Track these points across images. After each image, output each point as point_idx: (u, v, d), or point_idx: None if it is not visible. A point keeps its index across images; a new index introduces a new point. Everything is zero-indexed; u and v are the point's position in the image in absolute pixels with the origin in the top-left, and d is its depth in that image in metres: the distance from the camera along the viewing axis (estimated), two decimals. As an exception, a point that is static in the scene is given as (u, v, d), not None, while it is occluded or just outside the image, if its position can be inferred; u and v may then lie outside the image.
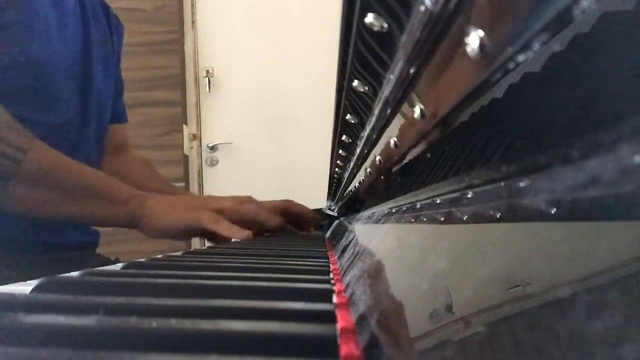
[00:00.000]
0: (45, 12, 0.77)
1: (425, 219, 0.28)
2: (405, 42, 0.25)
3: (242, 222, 0.77)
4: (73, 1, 0.85)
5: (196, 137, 2.43)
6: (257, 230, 0.79)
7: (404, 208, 0.38)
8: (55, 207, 0.71)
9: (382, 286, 0.25)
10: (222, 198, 0.82)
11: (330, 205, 1.27)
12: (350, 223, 0.78)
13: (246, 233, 0.74)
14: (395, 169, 0.46)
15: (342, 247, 0.55)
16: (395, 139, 0.37)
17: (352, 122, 0.50)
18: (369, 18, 0.27)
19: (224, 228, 0.74)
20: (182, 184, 2.29)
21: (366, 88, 0.38)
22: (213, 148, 2.44)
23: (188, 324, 0.20)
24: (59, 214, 0.73)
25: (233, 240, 0.77)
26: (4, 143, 0.65)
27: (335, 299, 0.27)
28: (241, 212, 0.78)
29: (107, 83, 0.94)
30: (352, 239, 0.54)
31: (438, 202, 0.27)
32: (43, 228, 0.81)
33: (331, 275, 0.37)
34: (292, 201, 0.94)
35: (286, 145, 2.42)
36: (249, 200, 0.83)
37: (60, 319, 0.19)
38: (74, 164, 0.72)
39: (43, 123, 0.77)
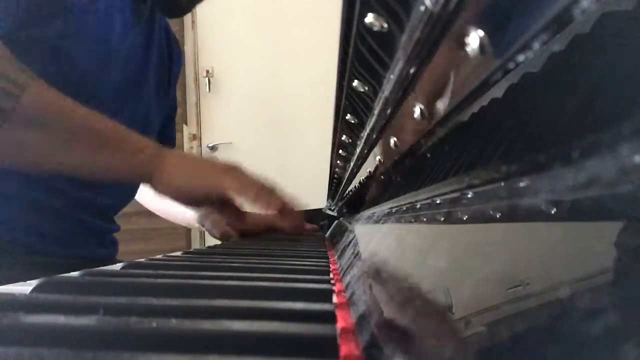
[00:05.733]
0: (100, 28, 0.72)
1: (425, 219, 0.29)
2: (405, 42, 0.25)
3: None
4: (144, 23, 0.81)
5: (196, 137, 2.43)
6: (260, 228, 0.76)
7: (404, 208, 0.38)
8: (55, 155, 0.62)
9: (382, 286, 0.25)
10: (249, 177, 0.73)
11: (330, 205, 1.27)
12: (350, 223, 0.78)
13: (273, 209, 0.68)
14: (395, 169, 0.46)
15: (342, 247, 0.55)
16: (395, 139, 0.37)
17: (352, 122, 0.50)
18: (369, 18, 0.27)
19: (253, 195, 0.67)
20: (182, 184, 2.29)
21: (366, 88, 0.38)
22: (213, 148, 2.44)
23: (188, 324, 0.20)
24: (59, 164, 0.64)
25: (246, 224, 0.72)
26: (2, 79, 0.57)
27: (335, 299, 0.27)
28: (262, 203, 0.70)
29: (158, 108, 0.90)
30: (352, 239, 0.54)
31: (438, 202, 0.27)
32: (63, 240, 0.78)
33: (331, 275, 0.37)
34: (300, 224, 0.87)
35: (286, 145, 2.42)
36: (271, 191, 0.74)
37: (60, 319, 0.19)
38: (78, 106, 0.63)
39: None
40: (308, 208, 1.15)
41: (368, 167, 0.58)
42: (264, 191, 0.70)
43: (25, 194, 0.71)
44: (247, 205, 0.73)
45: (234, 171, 0.71)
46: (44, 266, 0.74)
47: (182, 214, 0.94)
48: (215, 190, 0.67)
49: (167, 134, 0.98)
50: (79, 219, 0.80)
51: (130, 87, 0.81)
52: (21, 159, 0.62)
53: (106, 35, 0.74)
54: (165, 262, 0.42)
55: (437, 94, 0.25)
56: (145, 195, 1.00)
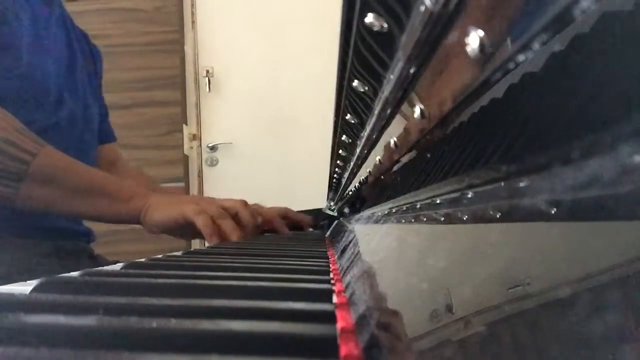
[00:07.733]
0: (31, 31, 0.86)
1: (425, 219, 0.28)
2: (405, 42, 0.25)
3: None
4: (57, 23, 0.94)
5: (196, 137, 2.43)
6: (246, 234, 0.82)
7: (404, 208, 0.38)
8: (62, 205, 0.76)
9: (382, 286, 0.25)
10: (218, 200, 0.84)
11: (330, 205, 1.27)
12: (350, 223, 0.78)
13: (214, 240, 0.76)
14: (395, 168, 0.46)
15: (342, 247, 0.55)
16: (395, 139, 0.37)
17: (352, 122, 0.50)
18: (369, 18, 0.27)
19: (201, 222, 0.76)
20: (182, 184, 2.29)
21: (366, 88, 0.38)
22: (213, 148, 2.43)
23: (188, 324, 0.20)
24: (67, 211, 0.79)
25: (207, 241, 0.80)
26: (13, 147, 0.71)
27: (335, 299, 0.27)
28: (239, 215, 0.81)
29: (94, 104, 1.01)
30: (352, 239, 0.54)
31: (438, 202, 0.27)
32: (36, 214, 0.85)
33: (331, 275, 0.37)
34: (290, 209, 0.99)
35: (286, 145, 2.42)
36: (249, 207, 0.84)
37: (60, 319, 0.19)
38: (80, 165, 0.78)
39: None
40: (308, 208, 1.15)
41: (368, 167, 0.58)
42: (222, 219, 0.78)
43: None
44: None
45: (200, 201, 0.81)
46: (24, 241, 0.83)
47: None
48: (179, 217, 0.78)
49: (105, 132, 1.11)
50: None
51: (65, 80, 0.92)
52: (34, 207, 0.76)
53: (34, 21, 0.86)
54: (165, 262, 0.42)
55: (437, 94, 0.25)
56: None
